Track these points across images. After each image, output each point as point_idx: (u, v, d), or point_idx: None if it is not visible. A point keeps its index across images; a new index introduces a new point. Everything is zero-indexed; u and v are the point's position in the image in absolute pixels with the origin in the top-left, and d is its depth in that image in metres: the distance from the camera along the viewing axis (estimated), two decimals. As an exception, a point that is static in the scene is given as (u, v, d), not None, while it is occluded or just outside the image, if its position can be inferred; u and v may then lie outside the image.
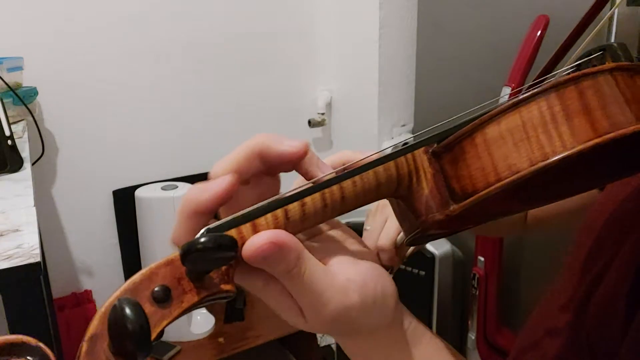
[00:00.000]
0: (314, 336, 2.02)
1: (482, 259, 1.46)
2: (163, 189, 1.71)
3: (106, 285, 1.89)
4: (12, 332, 0.72)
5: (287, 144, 0.35)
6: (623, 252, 0.43)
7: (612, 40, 1.20)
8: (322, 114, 2.11)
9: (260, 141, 0.35)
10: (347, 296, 0.34)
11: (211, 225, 0.31)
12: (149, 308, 0.28)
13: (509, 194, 0.33)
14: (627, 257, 0.43)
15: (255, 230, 0.31)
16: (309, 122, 2.09)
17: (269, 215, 0.32)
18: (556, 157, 0.31)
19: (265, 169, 0.36)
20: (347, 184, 0.34)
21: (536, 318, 0.54)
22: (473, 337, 1.53)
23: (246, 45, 1.96)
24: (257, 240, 0.30)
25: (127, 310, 0.26)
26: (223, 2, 1.89)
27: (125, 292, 0.28)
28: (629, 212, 0.47)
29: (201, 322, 1.80)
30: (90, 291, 1.86)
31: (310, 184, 0.34)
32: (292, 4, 2.02)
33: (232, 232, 0.31)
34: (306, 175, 0.36)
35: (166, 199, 1.66)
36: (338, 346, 2.10)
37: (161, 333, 0.28)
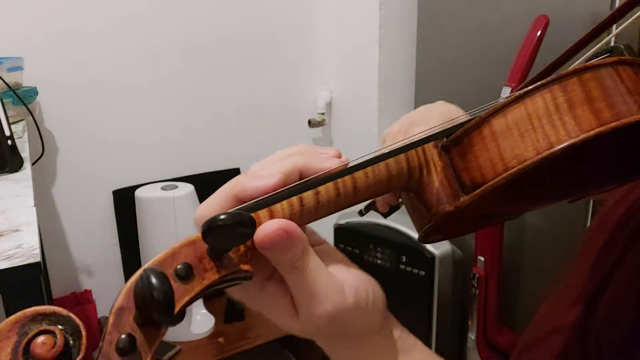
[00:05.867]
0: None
1: (482, 259, 1.46)
2: (163, 189, 1.71)
3: (106, 285, 1.89)
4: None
5: (328, 163, 0.35)
6: (634, 251, 0.43)
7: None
8: (322, 114, 2.11)
9: (302, 160, 0.35)
10: (343, 296, 0.35)
11: (230, 210, 0.32)
12: (172, 283, 0.29)
13: (516, 187, 0.34)
14: (638, 256, 0.43)
15: (272, 216, 0.33)
16: (309, 122, 2.09)
17: (284, 202, 0.33)
18: (561, 146, 0.32)
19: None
20: (360, 174, 0.35)
21: (543, 315, 0.54)
22: (473, 337, 1.53)
23: (246, 45, 1.96)
24: (269, 226, 0.31)
25: (153, 279, 0.27)
26: (223, 2, 1.89)
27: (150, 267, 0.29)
28: None
29: (201, 322, 1.80)
30: (90, 291, 1.86)
31: (325, 174, 0.35)
32: (292, 4, 2.02)
33: None
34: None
35: (166, 199, 1.66)
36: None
37: (183, 311, 0.29)
